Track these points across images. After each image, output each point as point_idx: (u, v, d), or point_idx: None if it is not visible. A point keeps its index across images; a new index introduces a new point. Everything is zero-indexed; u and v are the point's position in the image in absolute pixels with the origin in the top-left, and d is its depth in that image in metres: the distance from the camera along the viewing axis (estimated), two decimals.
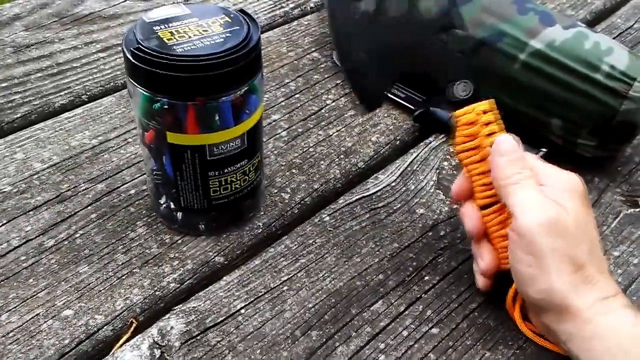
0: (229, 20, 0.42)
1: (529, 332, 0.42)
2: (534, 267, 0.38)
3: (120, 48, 0.67)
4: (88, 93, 0.61)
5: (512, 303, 0.43)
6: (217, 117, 0.41)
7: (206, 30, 0.41)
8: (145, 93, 0.40)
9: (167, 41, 0.39)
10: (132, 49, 0.39)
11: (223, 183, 0.44)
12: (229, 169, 0.44)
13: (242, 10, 0.43)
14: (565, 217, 0.38)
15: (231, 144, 0.43)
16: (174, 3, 0.75)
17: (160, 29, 0.41)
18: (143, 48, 0.39)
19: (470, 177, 0.43)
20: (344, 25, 0.45)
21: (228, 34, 0.41)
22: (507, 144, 0.41)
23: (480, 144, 0.42)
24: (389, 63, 0.44)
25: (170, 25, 0.41)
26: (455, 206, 0.51)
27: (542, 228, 0.38)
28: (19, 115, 0.58)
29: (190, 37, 0.40)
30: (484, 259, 0.43)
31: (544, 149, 0.52)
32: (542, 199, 0.39)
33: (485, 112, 0.42)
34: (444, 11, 0.47)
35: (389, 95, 0.62)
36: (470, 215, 0.43)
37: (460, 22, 0.47)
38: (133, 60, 0.39)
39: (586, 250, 0.38)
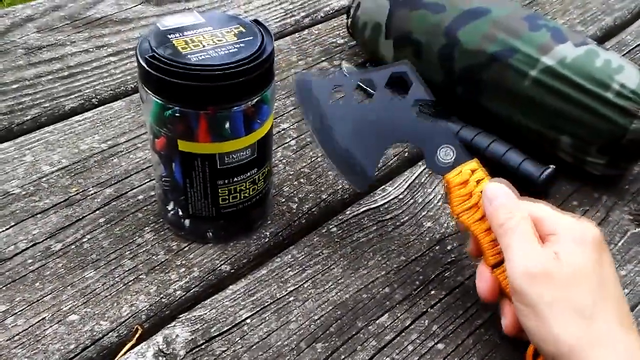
0: (243, 30, 0.42)
1: None
2: (532, 317, 0.37)
3: (131, 53, 0.67)
4: (98, 97, 0.62)
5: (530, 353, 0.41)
6: (228, 127, 0.41)
7: (220, 40, 0.41)
8: (157, 100, 0.40)
9: (181, 50, 0.40)
10: (146, 56, 0.39)
11: (232, 192, 0.45)
12: (239, 177, 0.44)
13: (256, 21, 0.44)
14: (556, 266, 0.37)
15: (241, 153, 0.43)
16: (184, 9, 0.76)
17: (175, 37, 0.41)
18: (157, 56, 0.39)
19: (477, 238, 0.42)
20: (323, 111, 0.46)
21: (242, 44, 0.41)
22: (493, 189, 0.41)
23: (478, 201, 0.42)
24: (373, 142, 0.46)
25: (184, 33, 0.41)
26: None
27: (528, 277, 0.37)
28: (28, 117, 0.58)
29: (204, 46, 0.40)
30: (505, 317, 0.41)
31: (552, 166, 0.52)
32: (531, 246, 0.38)
33: (474, 171, 0.43)
34: None
35: None
36: (481, 276, 0.42)
37: None
38: (147, 68, 0.39)
39: (589, 300, 0.36)
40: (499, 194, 0.41)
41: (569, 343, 0.36)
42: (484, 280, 0.41)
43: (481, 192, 0.42)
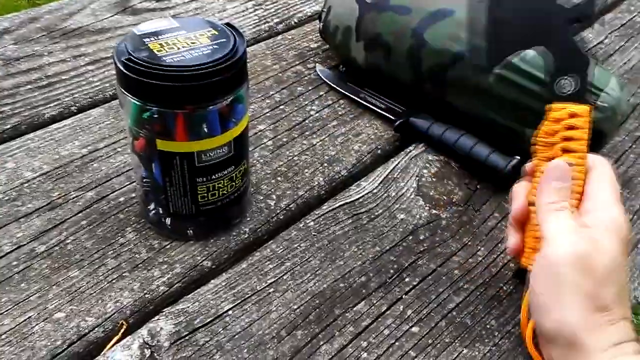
0: (216, 33, 0.44)
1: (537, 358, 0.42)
2: (551, 296, 0.39)
3: (108, 61, 0.69)
4: (77, 104, 0.63)
5: (526, 322, 0.43)
6: (204, 125, 0.43)
7: (194, 42, 0.43)
8: (135, 102, 0.42)
9: (157, 52, 0.41)
10: (123, 59, 0.41)
11: (211, 189, 0.46)
12: (217, 175, 0.46)
13: (228, 24, 0.46)
14: (597, 257, 0.38)
15: (218, 150, 0.44)
16: (161, 17, 0.77)
17: (150, 40, 0.42)
18: (134, 59, 0.41)
19: (534, 171, 0.45)
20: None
21: (215, 46, 0.43)
22: (558, 171, 0.42)
23: (554, 144, 0.44)
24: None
25: (159, 37, 0.43)
26: (434, 211, 0.53)
27: (570, 261, 0.38)
28: (9, 126, 0.59)
29: (179, 48, 0.42)
30: (509, 240, 0.45)
31: (517, 157, 0.55)
32: (577, 232, 0.39)
33: (573, 116, 0.43)
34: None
35: (370, 105, 0.64)
36: (518, 197, 0.45)
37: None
38: (124, 71, 0.41)
39: (614, 294, 0.38)
40: (559, 177, 0.42)
41: (572, 325, 0.37)
42: (520, 203, 0.44)
43: (562, 139, 0.43)
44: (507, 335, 0.44)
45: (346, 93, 0.66)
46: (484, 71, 0.57)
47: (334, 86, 0.67)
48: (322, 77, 0.68)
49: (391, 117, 0.63)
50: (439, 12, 0.60)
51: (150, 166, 0.46)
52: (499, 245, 0.51)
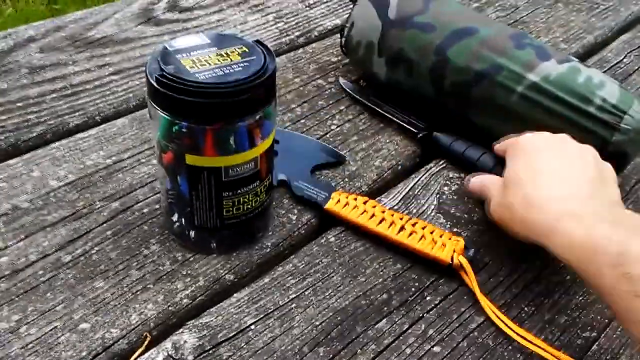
0: (247, 50, 0.44)
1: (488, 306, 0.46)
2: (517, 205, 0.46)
3: (132, 72, 0.70)
4: (101, 114, 0.64)
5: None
6: (233, 141, 0.44)
7: (225, 59, 0.43)
8: (166, 117, 0.42)
9: (189, 68, 0.42)
10: (156, 75, 0.41)
11: (236, 203, 0.47)
12: (242, 189, 0.46)
13: (258, 41, 0.46)
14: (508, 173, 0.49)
15: (245, 166, 0.45)
16: (182, 29, 0.78)
17: (182, 57, 0.43)
18: (166, 74, 0.41)
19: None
20: None
21: (246, 63, 0.43)
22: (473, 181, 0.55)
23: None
24: None
25: (191, 53, 0.43)
26: (455, 229, 0.54)
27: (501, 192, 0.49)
28: (34, 134, 0.60)
29: (210, 65, 0.42)
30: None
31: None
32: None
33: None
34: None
35: (394, 118, 0.64)
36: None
37: None
38: (156, 86, 0.41)
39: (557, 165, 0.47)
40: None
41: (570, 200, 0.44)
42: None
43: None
44: (529, 357, 0.44)
45: (370, 105, 0.66)
46: (508, 90, 0.57)
47: (358, 98, 0.67)
48: (346, 89, 0.69)
49: (414, 130, 0.63)
50: (463, 30, 0.61)
51: (176, 179, 0.46)
52: (521, 265, 0.51)
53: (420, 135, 0.62)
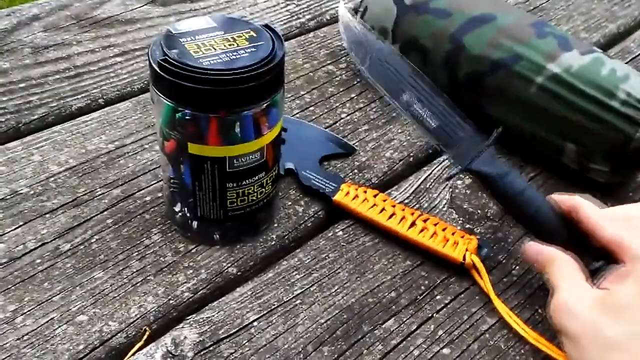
0: (254, 35, 0.42)
1: None
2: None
3: (137, 53, 0.68)
4: (105, 97, 0.62)
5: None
6: (238, 130, 0.42)
7: (232, 44, 0.41)
8: (168, 103, 0.41)
9: (193, 54, 0.40)
10: (159, 60, 0.39)
11: (240, 194, 0.45)
12: (247, 181, 0.44)
13: (267, 25, 0.44)
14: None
15: (250, 156, 0.43)
16: (190, 10, 0.76)
17: (187, 41, 0.41)
18: (170, 59, 0.39)
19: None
20: None
21: (253, 49, 0.41)
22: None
23: None
24: None
25: (196, 37, 0.41)
26: (467, 226, 0.52)
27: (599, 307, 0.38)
28: (36, 116, 0.58)
29: (216, 50, 0.40)
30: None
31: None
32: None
33: None
34: None
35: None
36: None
37: None
38: (159, 71, 0.39)
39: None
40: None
41: None
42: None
43: None
44: None
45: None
46: (526, 81, 0.55)
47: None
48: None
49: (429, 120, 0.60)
50: (479, 17, 0.58)
51: (179, 168, 0.44)
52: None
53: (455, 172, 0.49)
